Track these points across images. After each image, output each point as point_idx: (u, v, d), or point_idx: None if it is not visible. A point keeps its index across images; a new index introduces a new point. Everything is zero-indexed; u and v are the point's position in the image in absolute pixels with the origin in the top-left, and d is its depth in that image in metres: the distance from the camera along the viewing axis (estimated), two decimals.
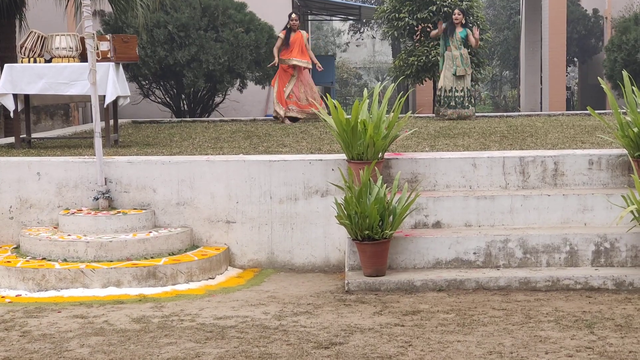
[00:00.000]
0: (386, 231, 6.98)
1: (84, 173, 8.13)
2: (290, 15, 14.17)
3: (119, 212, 7.88)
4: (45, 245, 7.54)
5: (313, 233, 7.93)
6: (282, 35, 13.95)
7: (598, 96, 26.58)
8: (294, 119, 13.85)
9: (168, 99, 17.14)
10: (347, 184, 7.12)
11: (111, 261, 7.35)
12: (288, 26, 13.98)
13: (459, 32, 13.61)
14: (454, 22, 13.69)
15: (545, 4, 25.44)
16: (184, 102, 17.21)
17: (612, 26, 24.26)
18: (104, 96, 9.55)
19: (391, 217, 7.04)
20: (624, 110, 7.84)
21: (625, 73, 7.92)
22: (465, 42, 13.70)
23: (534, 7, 28.32)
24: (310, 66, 14.03)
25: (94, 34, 8.21)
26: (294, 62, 13.77)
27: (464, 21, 13.79)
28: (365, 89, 10.06)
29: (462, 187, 7.93)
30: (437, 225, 7.62)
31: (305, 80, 13.92)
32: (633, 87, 7.77)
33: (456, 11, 13.85)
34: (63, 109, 16.97)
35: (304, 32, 14.10)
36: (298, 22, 14.06)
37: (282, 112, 13.80)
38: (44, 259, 7.47)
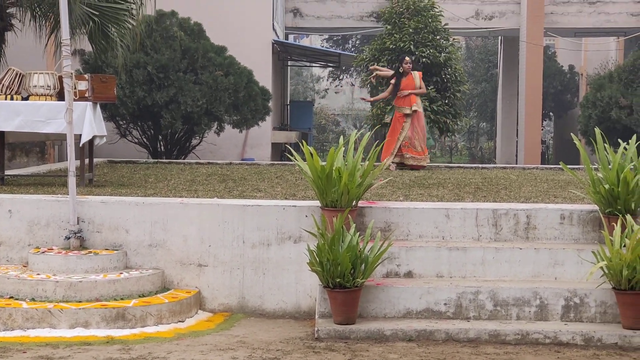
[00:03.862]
0: (358, 279, 6.98)
1: (56, 212, 8.08)
2: (403, 59, 13.64)
3: (90, 252, 7.83)
4: (13, 284, 7.46)
5: (285, 279, 7.91)
6: (392, 81, 13.53)
7: (572, 151, 26.85)
8: (402, 165, 13.30)
9: (145, 140, 17.14)
10: (320, 231, 7.13)
11: (80, 301, 7.28)
12: (400, 70, 13.52)
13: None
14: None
15: (522, 59, 25.79)
16: (161, 143, 17.21)
17: (587, 83, 24.60)
18: (81, 135, 9.55)
19: (363, 266, 7.04)
20: (597, 167, 7.92)
21: (597, 130, 8.02)
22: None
23: (512, 61, 28.69)
24: (421, 109, 13.54)
25: (72, 73, 8.23)
26: (406, 112, 13.32)
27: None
28: (342, 136, 10.10)
29: (434, 237, 7.96)
30: (409, 274, 7.63)
31: (420, 124, 13.45)
32: (605, 145, 7.86)
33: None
34: (39, 146, 16.90)
35: (415, 74, 13.52)
36: (411, 65, 13.55)
37: (388, 162, 13.14)
38: (11, 297, 7.39)
